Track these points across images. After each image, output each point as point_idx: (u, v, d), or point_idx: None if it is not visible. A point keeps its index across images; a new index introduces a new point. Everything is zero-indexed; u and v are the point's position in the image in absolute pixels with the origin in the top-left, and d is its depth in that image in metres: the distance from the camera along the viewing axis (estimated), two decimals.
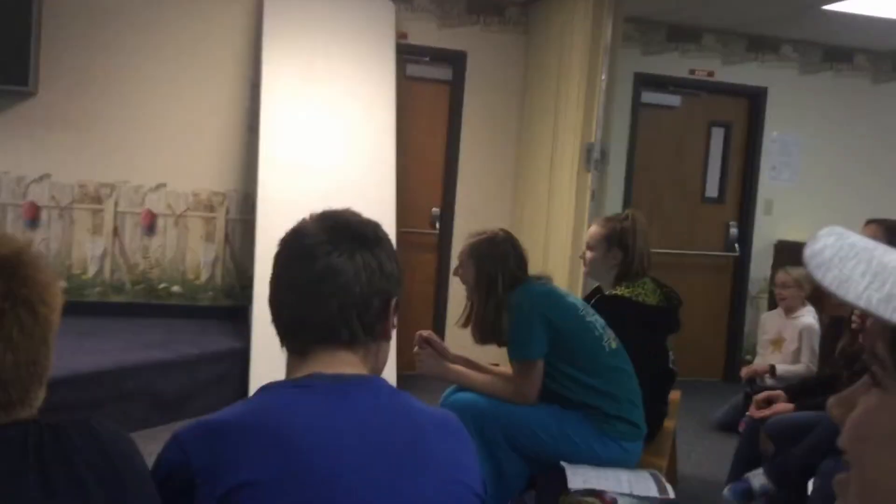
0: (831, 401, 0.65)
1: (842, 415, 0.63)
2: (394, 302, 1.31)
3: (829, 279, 0.58)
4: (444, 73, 5.96)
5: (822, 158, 6.50)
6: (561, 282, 4.60)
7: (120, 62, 5.32)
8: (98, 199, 5.37)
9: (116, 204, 5.40)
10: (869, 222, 3.41)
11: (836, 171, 6.51)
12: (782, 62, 6.42)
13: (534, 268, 2.96)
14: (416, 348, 2.86)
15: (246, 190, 5.42)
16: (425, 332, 2.89)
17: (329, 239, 1.27)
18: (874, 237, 3.22)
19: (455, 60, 5.90)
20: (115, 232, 5.42)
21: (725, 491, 3.58)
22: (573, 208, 4.97)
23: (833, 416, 0.64)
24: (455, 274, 2.92)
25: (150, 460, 1.18)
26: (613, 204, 5.73)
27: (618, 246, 3.12)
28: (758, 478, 3.37)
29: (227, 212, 5.54)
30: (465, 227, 4.27)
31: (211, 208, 5.53)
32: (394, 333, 1.35)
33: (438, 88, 5.97)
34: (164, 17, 5.37)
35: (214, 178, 5.51)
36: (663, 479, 2.71)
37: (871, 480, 0.59)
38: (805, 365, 4.58)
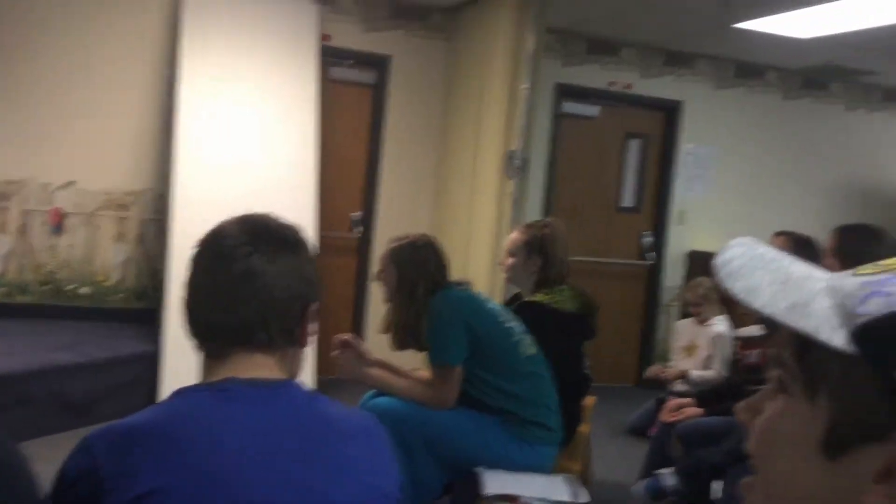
0: (739, 406, 0.67)
1: (749, 420, 0.65)
2: (313, 307, 1.30)
3: (738, 288, 0.60)
4: (367, 76, 5.94)
5: (734, 171, 6.72)
6: (481, 287, 4.63)
7: (28, 52, 5.12)
8: (4, 196, 5.16)
9: (23, 201, 5.20)
10: (778, 234, 3.53)
11: (747, 184, 6.75)
12: (697, 77, 6.62)
13: (455, 273, 2.97)
14: (335, 352, 2.84)
15: (160, 189, 5.28)
16: (345, 336, 2.87)
17: (249, 241, 1.25)
18: (782, 248, 3.37)
19: (379, 64, 5.89)
20: (22, 230, 5.22)
21: (636, 486, 3.67)
22: (494, 214, 5.02)
23: (741, 420, 0.66)
24: (376, 279, 2.91)
25: (56, 467, 1.13)
26: (534, 211, 5.81)
27: (538, 253, 3.17)
28: (669, 477, 3.47)
29: (140, 211, 5.39)
30: (386, 232, 4.26)
31: (123, 207, 5.37)
32: (315, 338, 1.34)
33: (362, 92, 5.94)
34: (76, 6, 5.20)
35: (127, 177, 5.36)
36: (577, 483, 2.75)
37: (776, 484, 0.61)
38: (716, 371, 4.73)
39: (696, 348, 4.91)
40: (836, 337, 0.56)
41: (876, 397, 0.55)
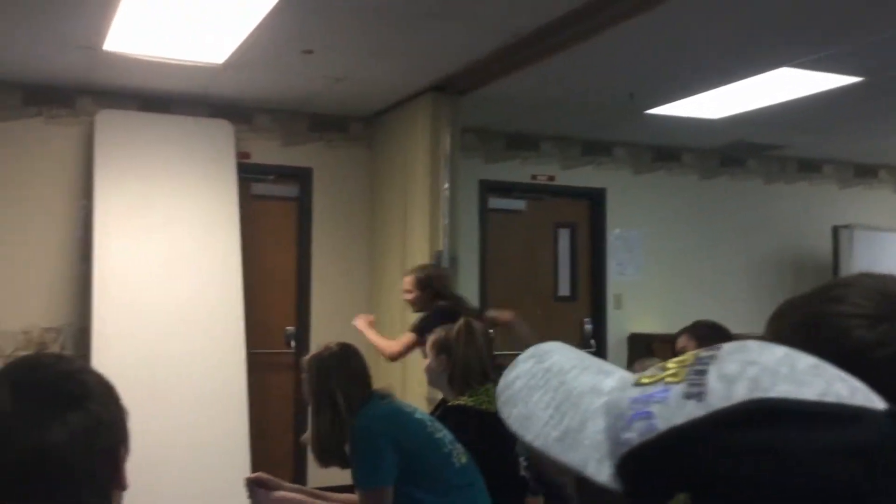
0: None
1: None
2: (122, 450, 1.11)
3: (513, 418, 0.53)
4: (290, 190, 5.92)
5: (663, 252, 6.78)
6: (418, 395, 4.52)
7: None
8: None
9: None
10: (680, 333, 3.30)
11: (677, 263, 6.81)
12: (617, 164, 6.74)
13: (392, 378, 2.87)
14: (248, 495, 2.69)
15: (81, 323, 5.10)
16: (252, 475, 2.73)
17: (29, 409, 1.04)
18: (685, 347, 3.08)
19: (301, 177, 5.87)
20: None
21: None
22: None
23: None
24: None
25: None
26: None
27: (445, 353, 3.11)
28: None
29: (62, 348, 5.18)
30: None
31: (44, 346, 5.16)
32: None
33: (286, 205, 5.90)
34: None
35: (46, 314, 5.17)
36: None
37: None
38: None
39: None
40: (602, 470, 0.51)
41: None
